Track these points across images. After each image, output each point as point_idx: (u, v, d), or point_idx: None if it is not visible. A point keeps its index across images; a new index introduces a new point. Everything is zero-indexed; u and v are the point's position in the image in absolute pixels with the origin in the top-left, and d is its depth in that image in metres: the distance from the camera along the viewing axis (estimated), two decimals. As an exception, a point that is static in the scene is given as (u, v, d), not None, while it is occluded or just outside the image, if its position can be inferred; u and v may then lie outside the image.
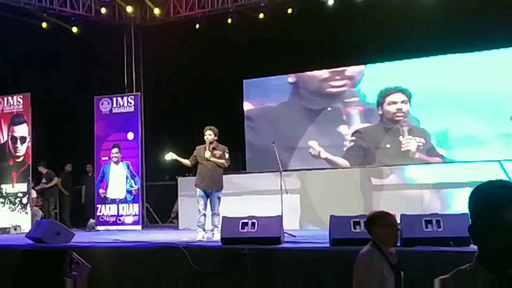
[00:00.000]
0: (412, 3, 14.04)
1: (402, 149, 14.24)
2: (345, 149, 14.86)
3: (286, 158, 14.48)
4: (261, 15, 15.47)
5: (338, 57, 15.13)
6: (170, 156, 10.48)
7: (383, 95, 14.62)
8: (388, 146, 14.42)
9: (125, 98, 15.16)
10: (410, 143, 14.18)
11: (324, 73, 15.32)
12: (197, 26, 16.20)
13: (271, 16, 15.41)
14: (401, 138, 14.28)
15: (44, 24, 15.88)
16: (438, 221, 7.58)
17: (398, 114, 14.40)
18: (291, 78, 15.77)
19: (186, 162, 10.36)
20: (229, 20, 15.77)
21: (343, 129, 14.93)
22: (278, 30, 15.63)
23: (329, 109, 15.11)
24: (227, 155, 10.16)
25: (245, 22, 15.75)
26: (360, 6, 14.54)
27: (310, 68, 15.49)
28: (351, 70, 15.09)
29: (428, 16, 13.81)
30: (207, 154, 10.05)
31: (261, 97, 16.02)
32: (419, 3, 13.90)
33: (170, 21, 16.64)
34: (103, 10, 16.45)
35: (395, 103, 14.50)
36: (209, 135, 10.11)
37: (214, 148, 10.11)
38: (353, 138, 14.80)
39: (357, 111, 14.90)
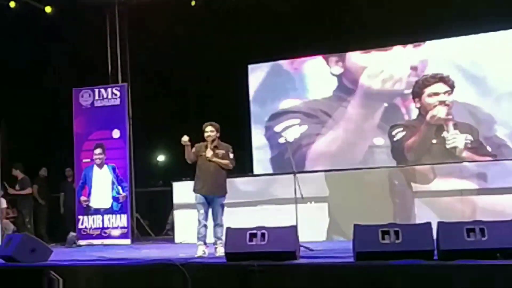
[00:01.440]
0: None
1: (448, 146, 14.23)
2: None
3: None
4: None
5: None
6: (186, 139, 10.16)
7: (421, 85, 14.62)
8: (434, 142, 14.41)
9: (109, 89, 15.16)
10: (456, 139, 14.18)
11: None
12: (193, 2, 16.18)
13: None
14: (445, 134, 14.28)
15: (12, 3, 15.91)
16: (482, 230, 7.54)
17: (441, 107, 14.40)
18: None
19: (190, 155, 10.21)
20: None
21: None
22: (291, 4, 15.56)
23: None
24: (231, 155, 10.13)
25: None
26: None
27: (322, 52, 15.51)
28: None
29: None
30: (209, 153, 10.01)
31: (270, 84, 16.02)
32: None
33: (161, -4, 16.62)
34: (82, -14, 16.47)
35: (437, 94, 14.51)
36: (210, 131, 10.05)
37: (216, 147, 10.09)
38: (394, 131, 14.82)
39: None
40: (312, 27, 15.50)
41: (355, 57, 15.49)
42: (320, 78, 15.75)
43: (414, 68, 14.83)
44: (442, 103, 14.44)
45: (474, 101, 14.32)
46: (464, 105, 14.36)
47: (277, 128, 15.66)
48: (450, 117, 14.35)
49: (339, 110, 15.40)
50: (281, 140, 14.94)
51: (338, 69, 15.56)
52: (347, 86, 15.45)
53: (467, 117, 14.30)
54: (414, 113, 14.83)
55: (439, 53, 14.77)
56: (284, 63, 16.11)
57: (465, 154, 14.08)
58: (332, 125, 15.40)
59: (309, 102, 15.79)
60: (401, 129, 14.84)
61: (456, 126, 14.24)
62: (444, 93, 14.46)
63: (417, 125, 14.70)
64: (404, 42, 15.04)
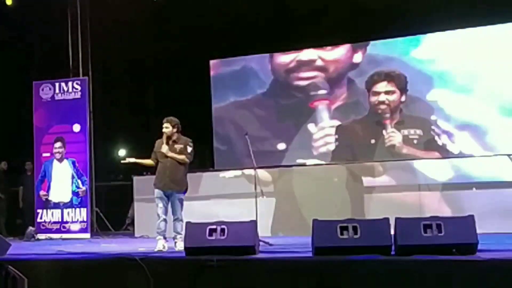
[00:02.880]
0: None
1: (386, 145, 14.37)
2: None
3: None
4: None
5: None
6: (128, 160, 10.42)
7: (369, 82, 14.73)
8: (372, 141, 14.54)
9: (69, 83, 15.07)
10: (393, 137, 14.33)
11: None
12: (155, -4, 16.15)
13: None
14: (384, 132, 14.42)
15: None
16: (439, 225, 7.61)
17: (380, 107, 14.52)
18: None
19: (148, 162, 10.31)
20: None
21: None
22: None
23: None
24: (189, 149, 10.09)
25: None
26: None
27: (288, 48, 15.52)
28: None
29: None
30: (164, 149, 10.01)
31: (233, 81, 16.00)
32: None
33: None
34: (42, -24, 16.31)
35: (378, 94, 14.60)
36: (166, 128, 10.05)
37: (174, 142, 10.07)
38: (337, 135, 14.90)
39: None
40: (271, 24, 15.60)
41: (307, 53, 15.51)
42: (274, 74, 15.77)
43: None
44: (381, 102, 14.53)
45: (430, 95, 14.39)
46: (419, 99, 14.43)
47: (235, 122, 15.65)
48: (387, 115, 14.44)
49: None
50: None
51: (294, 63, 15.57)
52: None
53: (420, 110, 14.38)
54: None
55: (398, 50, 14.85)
56: (244, 58, 16.04)
57: (406, 150, 14.18)
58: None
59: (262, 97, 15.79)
60: (341, 130, 14.91)
61: (400, 123, 14.32)
62: (386, 92, 14.53)
63: (362, 122, 14.78)
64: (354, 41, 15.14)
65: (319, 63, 15.19)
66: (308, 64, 15.26)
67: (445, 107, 14.07)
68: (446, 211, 12.05)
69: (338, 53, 15.14)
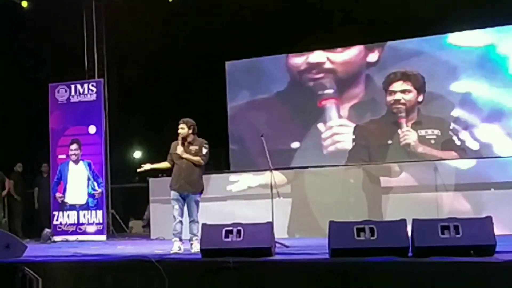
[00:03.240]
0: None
1: (401, 144, 14.34)
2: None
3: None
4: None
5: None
6: (144, 168, 10.37)
7: (386, 81, 14.71)
8: (389, 142, 14.51)
9: (85, 85, 15.10)
10: (408, 135, 14.30)
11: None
12: (170, -1, 16.20)
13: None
14: (399, 131, 14.39)
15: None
16: (456, 227, 7.57)
17: (396, 106, 14.50)
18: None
19: (164, 165, 10.28)
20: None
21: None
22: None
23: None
24: (204, 150, 10.06)
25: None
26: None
27: (301, 49, 15.52)
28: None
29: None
30: (179, 150, 9.99)
31: (250, 83, 16.00)
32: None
33: (137, -8, 16.59)
34: (58, -20, 16.37)
35: (394, 93, 14.58)
36: (181, 129, 10.04)
37: (190, 143, 10.05)
38: (354, 135, 14.88)
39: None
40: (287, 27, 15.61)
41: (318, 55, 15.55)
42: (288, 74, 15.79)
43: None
44: (397, 101, 14.50)
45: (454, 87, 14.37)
46: (440, 96, 14.39)
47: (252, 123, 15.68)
48: (402, 114, 14.40)
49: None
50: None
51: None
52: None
53: (440, 109, 14.34)
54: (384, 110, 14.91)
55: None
56: (259, 60, 16.05)
57: (421, 149, 14.14)
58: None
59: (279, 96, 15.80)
60: (359, 130, 14.90)
61: (417, 123, 14.29)
62: (402, 91, 14.51)
63: (379, 122, 14.74)
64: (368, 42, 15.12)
65: (328, 65, 15.24)
66: (318, 66, 15.29)
67: (470, 99, 14.11)
68: (464, 212, 11.98)
69: (349, 54, 15.14)
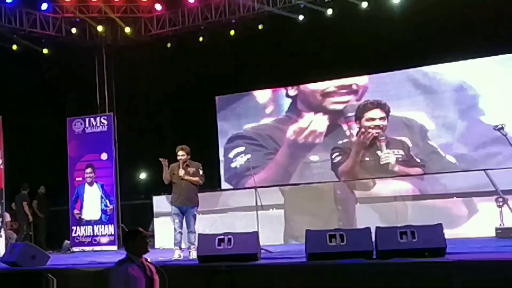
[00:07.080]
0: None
1: (382, 163, 14.36)
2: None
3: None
4: (232, 32, 15.62)
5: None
6: (164, 162, 10.23)
7: (362, 110, 14.75)
8: (367, 159, 14.53)
9: (98, 118, 15.08)
10: (389, 157, 14.34)
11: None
12: (169, 44, 16.32)
13: (242, 32, 15.55)
14: (379, 152, 14.42)
15: (14, 47, 15.83)
16: (412, 233, 7.61)
17: (376, 130, 14.55)
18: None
19: (167, 175, 10.23)
20: (200, 38, 15.94)
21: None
22: (249, 46, 15.74)
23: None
24: (201, 172, 10.13)
25: (217, 39, 15.85)
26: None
27: (282, 84, 15.59)
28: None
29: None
30: (181, 173, 10.03)
31: (234, 115, 16.06)
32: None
33: (141, 40, 16.70)
34: (74, 30, 16.40)
35: (373, 119, 14.64)
36: (182, 155, 10.08)
37: (187, 165, 10.10)
38: (334, 154, 14.91)
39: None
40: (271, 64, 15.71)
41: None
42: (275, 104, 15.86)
43: (355, 93, 14.97)
44: (377, 127, 14.57)
45: (410, 114, 14.44)
46: (401, 118, 14.46)
47: (230, 154, 15.82)
48: (383, 138, 14.46)
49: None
50: (233, 165, 15.57)
51: (293, 92, 15.64)
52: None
53: (402, 130, 14.40)
54: (354, 133, 14.88)
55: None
56: (246, 94, 16.12)
57: (397, 168, 14.20)
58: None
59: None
60: (338, 153, 14.92)
61: (388, 145, 14.35)
62: (380, 118, 14.58)
63: (353, 145, 14.77)
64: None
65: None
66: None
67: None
68: (417, 220, 11.94)
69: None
